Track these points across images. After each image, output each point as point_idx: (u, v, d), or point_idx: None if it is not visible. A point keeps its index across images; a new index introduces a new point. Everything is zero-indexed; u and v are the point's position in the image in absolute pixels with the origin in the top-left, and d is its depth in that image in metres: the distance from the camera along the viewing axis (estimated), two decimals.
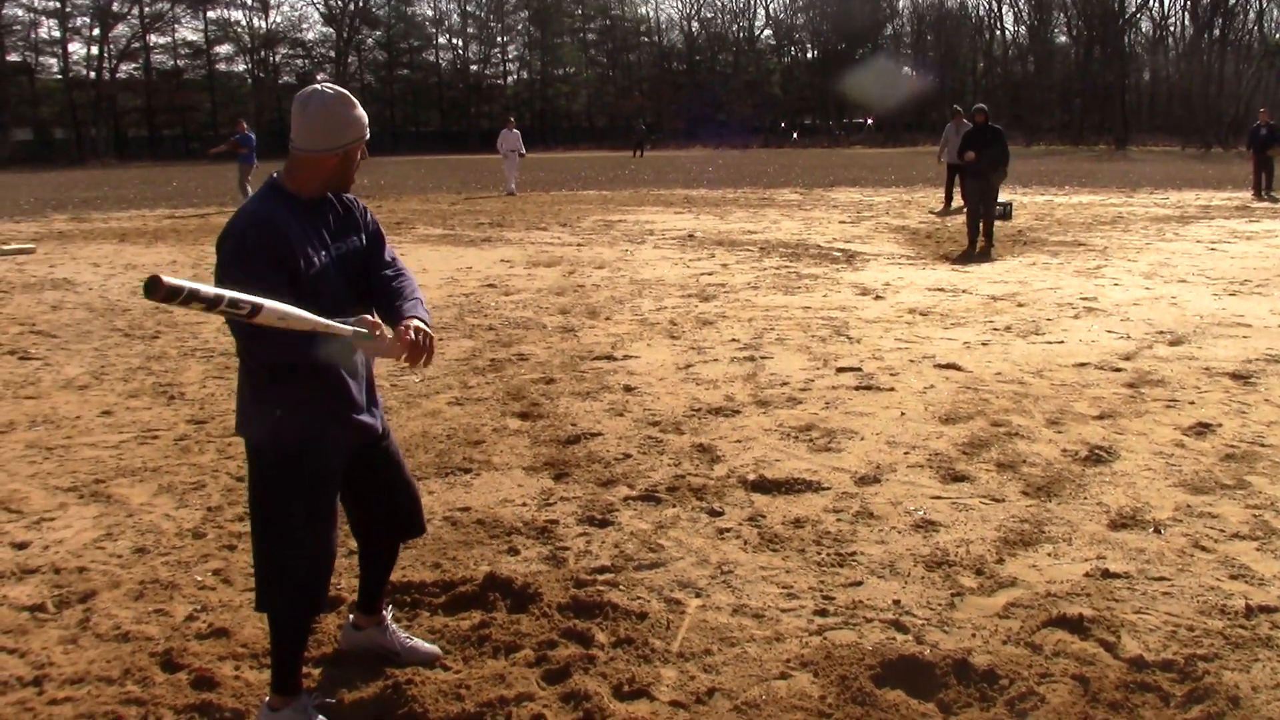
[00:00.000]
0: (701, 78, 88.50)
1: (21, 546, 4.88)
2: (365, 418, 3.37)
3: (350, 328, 3.00)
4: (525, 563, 4.63)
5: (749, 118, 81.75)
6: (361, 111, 3.24)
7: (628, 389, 7.55)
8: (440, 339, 9.29)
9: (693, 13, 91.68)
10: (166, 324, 10.30)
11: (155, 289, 2.58)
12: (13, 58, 71.78)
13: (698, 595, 4.27)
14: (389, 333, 3.10)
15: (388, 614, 3.85)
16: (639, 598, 4.23)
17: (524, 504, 5.35)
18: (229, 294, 2.74)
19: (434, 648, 3.83)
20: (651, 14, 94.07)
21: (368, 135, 3.29)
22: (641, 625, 3.99)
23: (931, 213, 21.55)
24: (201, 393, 7.67)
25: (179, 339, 9.57)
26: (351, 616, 3.86)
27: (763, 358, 8.45)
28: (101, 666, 3.75)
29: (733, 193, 28.94)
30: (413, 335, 3.11)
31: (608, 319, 10.26)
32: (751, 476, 5.63)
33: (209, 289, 2.71)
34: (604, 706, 3.43)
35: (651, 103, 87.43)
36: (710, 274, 13.21)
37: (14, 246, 16.86)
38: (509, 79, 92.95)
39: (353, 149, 3.24)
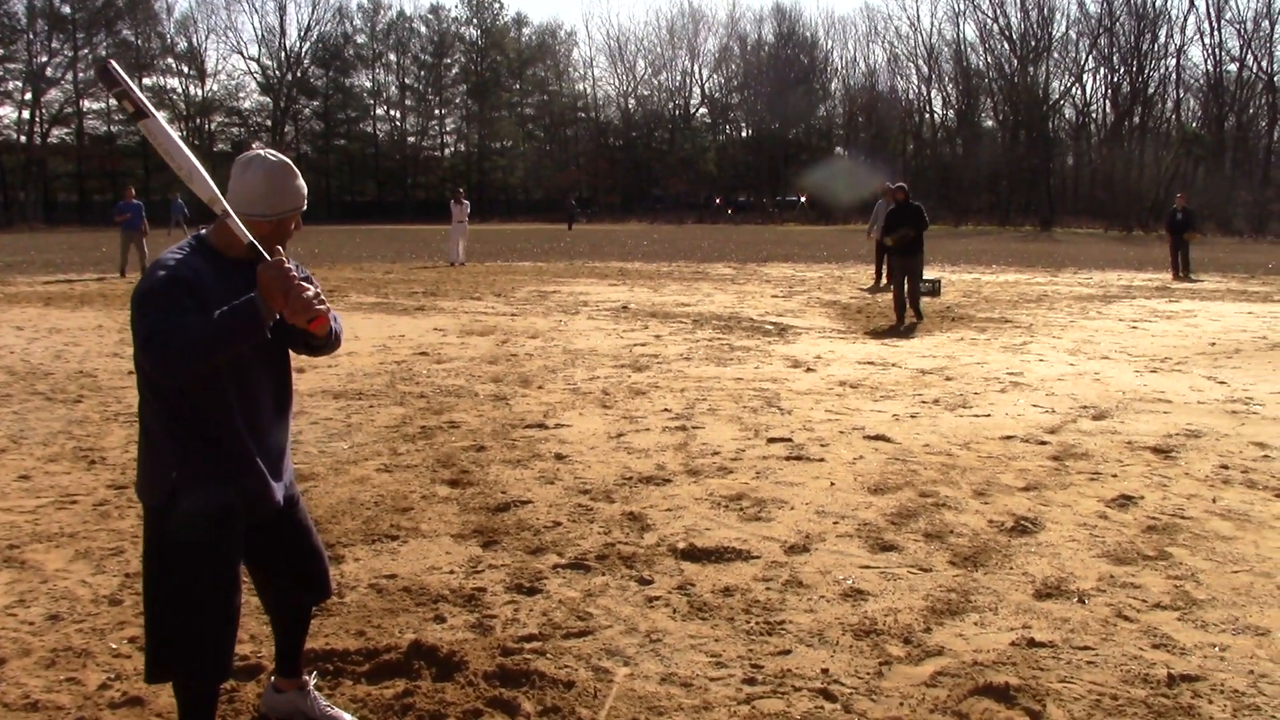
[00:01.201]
0: (638, 154, 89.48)
1: None
2: (265, 489, 3.26)
3: (216, 194, 3.04)
4: (451, 630, 4.56)
5: (684, 194, 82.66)
6: (301, 182, 3.20)
7: (559, 457, 7.52)
8: (370, 406, 9.21)
9: (629, 90, 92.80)
10: (90, 388, 10.11)
11: (105, 73, 2.95)
12: None
13: (626, 664, 4.23)
14: (288, 264, 2.97)
15: (310, 679, 3.76)
16: (566, 666, 4.18)
17: (451, 571, 5.27)
18: (139, 95, 2.95)
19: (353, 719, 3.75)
20: (589, 90, 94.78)
21: (305, 206, 3.24)
22: (569, 694, 3.93)
23: (862, 289, 21.85)
24: (124, 457, 7.52)
25: (102, 403, 9.38)
26: (274, 679, 3.77)
27: (694, 428, 8.47)
28: None
29: (667, 266, 29.16)
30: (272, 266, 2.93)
31: (540, 388, 10.23)
32: (681, 545, 5.61)
33: (139, 95, 2.96)
34: None
35: (588, 177, 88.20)
36: (643, 345, 13.26)
37: None
38: (446, 151, 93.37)
39: (288, 218, 3.19)
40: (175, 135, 3.03)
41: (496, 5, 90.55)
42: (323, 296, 3.04)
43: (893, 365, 11.74)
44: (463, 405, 9.36)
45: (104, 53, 73.96)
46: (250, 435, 3.20)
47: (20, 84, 72.60)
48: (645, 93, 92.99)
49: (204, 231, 3.22)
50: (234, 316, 2.89)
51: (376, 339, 13.59)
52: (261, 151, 3.19)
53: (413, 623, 4.64)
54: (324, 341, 3.25)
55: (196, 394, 3.07)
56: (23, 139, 72.83)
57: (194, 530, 3.13)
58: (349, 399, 9.57)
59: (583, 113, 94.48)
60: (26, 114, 73.27)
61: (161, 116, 3.04)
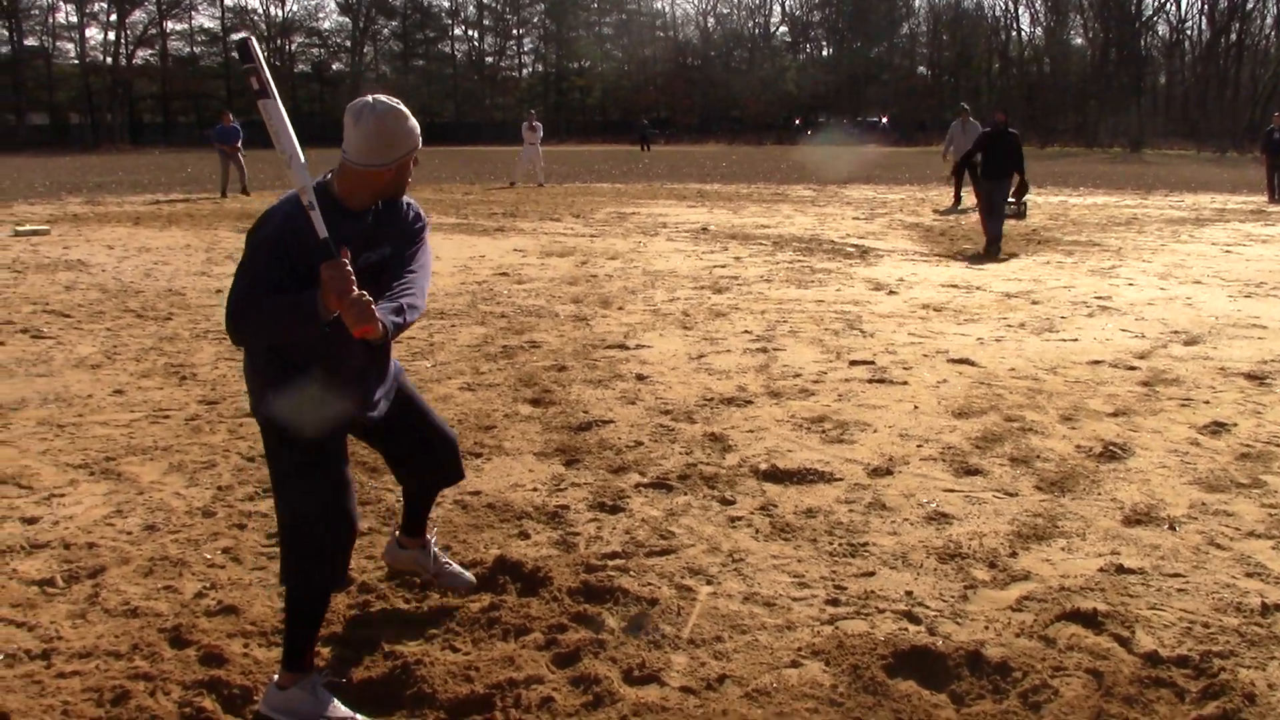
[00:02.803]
0: (716, 74, 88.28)
1: (31, 521, 4.87)
2: (350, 409, 3.41)
3: (308, 184, 3.06)
4: (536, 547, 4.61)
5: (763, 114, 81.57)
6: (414, 123, 3.24)
7: (640, 378, 7.53)
8: (452, 325, 9.29)
9: (709, 8, 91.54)
10: (179, 306, 10.30)
11: (244, 48, 3.10)
12: (30, 42, 71.96)
13: (709, 582, 4.25)
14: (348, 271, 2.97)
15: (432, 539, 4.08)
16: (650, 584, 4.21)
17: (535, 489, 5.33)
18: (266, 75, 3.09)
19: (471, 578, 4.09)
20: (667, 9, 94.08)
21: (420, 145, 3.27)
22: (652, 611, 3.97)
23: (937, 211, 21.47)
24: (213, 374, 7.67)
25: (191, 321, 9.56)
26: (398, 535, 4.06)
27: (775, 350, 8.42)
28: (110, 641, 3.74)
29: (746, 188, 28.88)
30: (333, 273, 2.95)
31: (620, 309, 10.23)
32: (763, 466, 5.61)
33: (267, 76, 3.10)
34: (614, 691, 3.41)
35: (666, 97, 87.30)
36: (723, 266, 13.17)
37: (29, 228, 16.88)
38: (524, 71, 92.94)
39: (406, 161, 3.23)
40: (287, 119, 3.13)
41: None
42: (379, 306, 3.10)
43: (977, 288, 11.56)
44: (543, 325, 9.40)
45: None
46: (338, 364, 3.32)
47: (105, 5, 73.35)
48: (725, 11, 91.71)
49: (329, 176, 3.26)
50: (296, 310, 3.03)
51: (457, 259, 13.66)
52: (371, 100, 3.20)
53: (498, 539, 4.70)
54: (379, 343, 3.30)
55: None
56: (109, 60, 73.70)
57: (292, 436, 3.28)
58: (431, 318, 9.64)
59: (661, 32, 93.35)
60: (112, 35, 74.18)
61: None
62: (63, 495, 5.22)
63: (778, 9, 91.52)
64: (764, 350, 8.41)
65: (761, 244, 15.67)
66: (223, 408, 6.78)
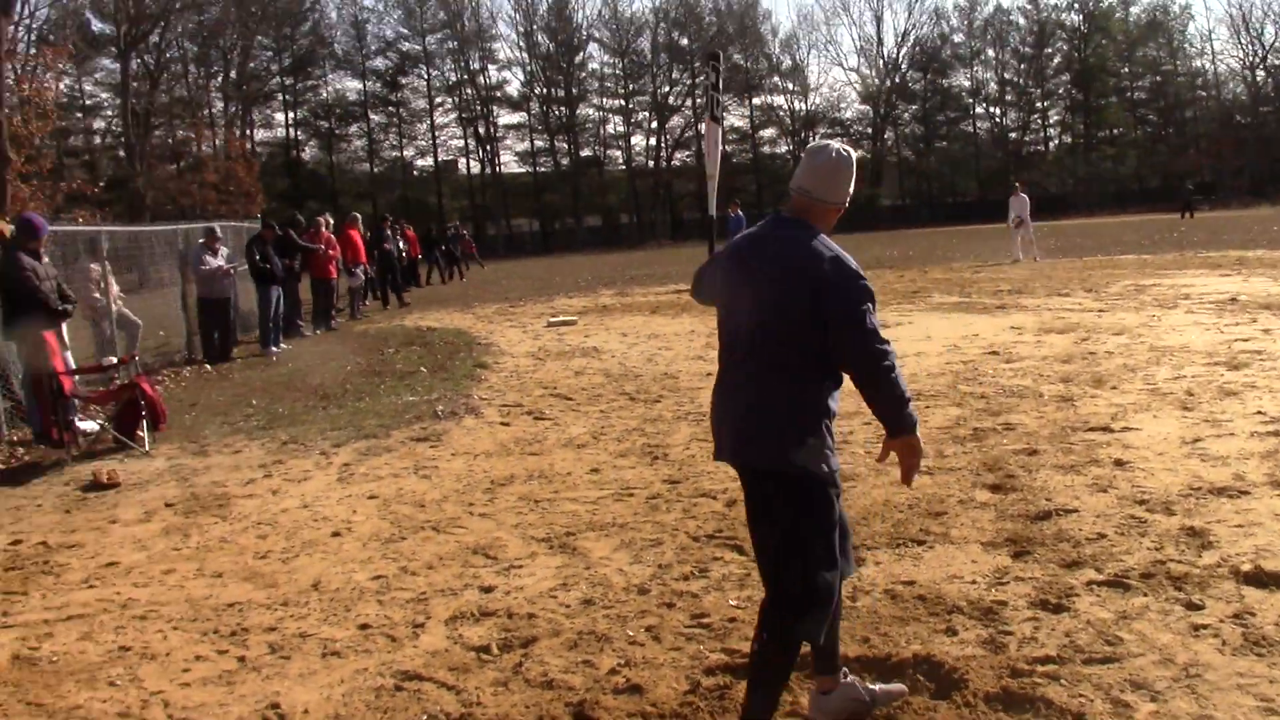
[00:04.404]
0: (1269, 130, 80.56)
1: (487, 590, 5.24)
2: None
3: None
4: (961, 645, 4.28)
5: None
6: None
7: (1119, 463, 6.85)
8: (927, 406, 9.01)
9: (1257, 61, 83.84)
10: (670, 389, 10.81)
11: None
12: (585, 153, 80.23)
13: (1152, 699, 3.73)
14: None
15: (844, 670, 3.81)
16: (1080, 695, 3.77)
17: (974, 581, 4.97)
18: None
19: (900, 686, 3.86)
20: (1209, 66, 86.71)
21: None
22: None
23: None
24: (684, 454, 7.92)
25: (677, 403, 9.98)
26: (815, 684, 3.78)
27: None
28: (520, 711, 3.90)
29: None
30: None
31: (1113, 388, 9.40)
32: (1246, 567, 4.87)
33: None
34: None
35: (1210, 160, 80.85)
36: (1246, 340, 11.75)
37: (560, 319, 18.57)
38: (1050, 144, 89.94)
39: (845, 204, 3.61)
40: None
41: None
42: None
43: None
44: (1024, 406, 8.85)
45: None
46: None
47: (648, 114, 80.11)
48: (1276, 62, 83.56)
49: (780, 212, 3.68)
50: (909, 411, 3.64)
51: (949, 339, 13.28)
52: (835, 144, 3.56)
53: (921, 633, 4.43)
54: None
55: (833, 379, 3.53)
56: (650, 164, 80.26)
57: (835, 489, 3.50)
58: None
59: (1203, 91, 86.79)
60: (653, 140, 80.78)
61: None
62: (520, 566, 5.58)
63: None
64: (1278, 434, 7.37)
65: None
66: (683, 487, 6.98)
